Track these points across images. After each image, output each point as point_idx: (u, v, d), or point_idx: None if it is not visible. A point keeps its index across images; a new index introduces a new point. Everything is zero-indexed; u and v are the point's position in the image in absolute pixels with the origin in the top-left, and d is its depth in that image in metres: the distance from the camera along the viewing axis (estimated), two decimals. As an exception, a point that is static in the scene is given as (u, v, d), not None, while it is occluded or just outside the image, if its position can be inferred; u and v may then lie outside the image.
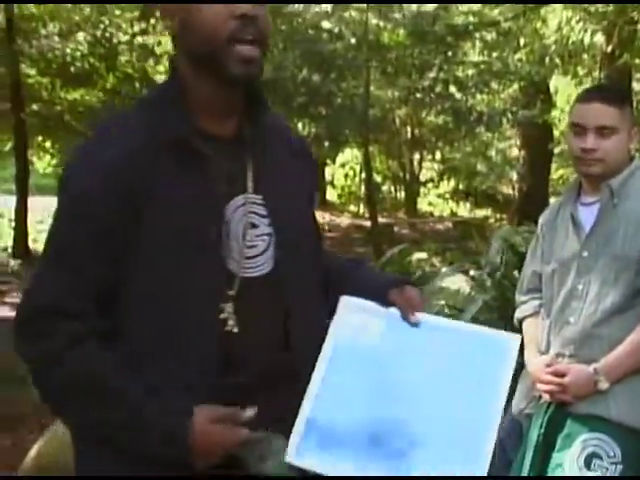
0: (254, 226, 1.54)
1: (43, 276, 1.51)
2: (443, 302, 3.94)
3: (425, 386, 1.56)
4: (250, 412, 1.45)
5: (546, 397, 2.36)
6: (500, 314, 3.58)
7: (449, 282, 4.58)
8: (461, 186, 20.83)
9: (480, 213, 20.08)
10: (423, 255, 10.12)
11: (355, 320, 1.64)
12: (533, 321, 2.57)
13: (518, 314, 2.65)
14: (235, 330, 1.50)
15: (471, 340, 1.62)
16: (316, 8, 11.20)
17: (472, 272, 4.38)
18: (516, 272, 3.84)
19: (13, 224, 13.28)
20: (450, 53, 11.02)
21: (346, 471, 1.50)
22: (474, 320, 3.54)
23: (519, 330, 2.60)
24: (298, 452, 1.53)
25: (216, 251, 1.49)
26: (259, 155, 1.57)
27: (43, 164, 16.12)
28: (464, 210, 20.99)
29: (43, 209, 15.04)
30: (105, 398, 1.45)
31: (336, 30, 10.86)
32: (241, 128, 1.57)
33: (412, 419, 1.53)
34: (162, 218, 1.46)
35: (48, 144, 14.42)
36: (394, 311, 1.64)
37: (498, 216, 18.97)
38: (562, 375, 2.30)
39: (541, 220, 2.64)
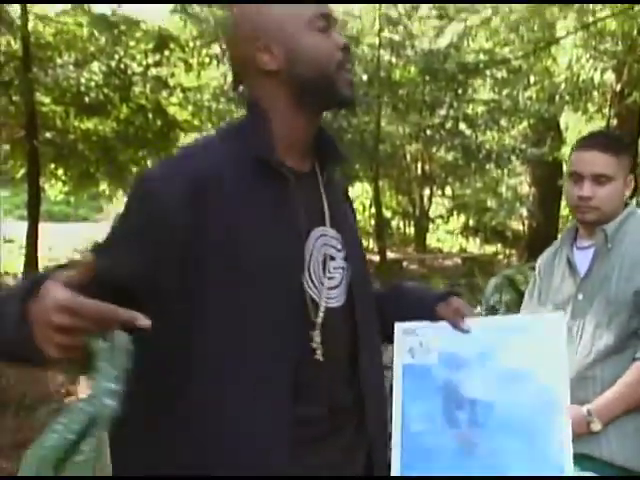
0: (332, 258, 1.61)
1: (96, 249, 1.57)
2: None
3: (494, 385, 1.66)
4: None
5: (539, 437, 2.39)
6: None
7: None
8: (471, 222, 20.87)
9: (490, 249, 20.10)
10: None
11: (413, 343, 1.73)
12: (529, 361, 2.61)
13: (514, 354, 2.69)
14: (321, 359, 1.55)
15: (520, 328, 1.72)
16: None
17: (477, 310, 4.41)
18: (516, 311, 3.87)
19: (24, 250, 13.35)
20: (460, 90, 11.12)
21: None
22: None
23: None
24: (402, 471, 1.65)
25: (300, 278, 1.54)
26: (330, 190, 1.66)
27: (55, 191, 16.24)
28: (474, 246, 21.01)
29: (54, 236, 15.19)
30: None
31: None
32: (314, 164, 1.66)
33: (490, 421, 1.64)
34: (242, 240, 1.49)
35: (60, 172, 14.55)
36: (445, 324, 1.72)
37: (507, 252, 18.98)
38: (554, 416, 2.33)
39: (539, 262, 2.68)
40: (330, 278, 1.60)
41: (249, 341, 1.48)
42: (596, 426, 2.29)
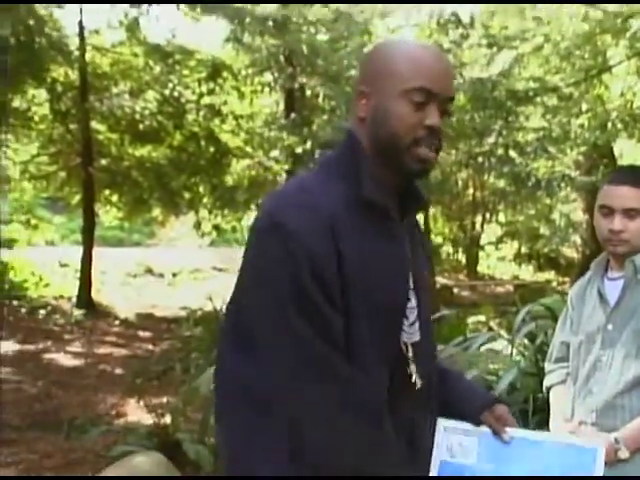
0: (407, 299, 1.69)
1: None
2: (483, 366, 3.98)
3: None
4: None
5: (567, 465, 2.41)
6: (539, 380, 3.61)
7: (494, 345, 4.62)
8: (523, 249, 20.71)
9: (543, 276, 19.92)
10: (481, 318, 10.10)
11: (453, 442, 1.80)
12: (560, 389, 2.63)
13: (546, 382, 2.71)
14: (419, 385, 1.70)
15: (559, 451, 1.76)
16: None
17: (507, 336, 4.43)
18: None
19: (78, 274, 13.63)
20: (510, 118, 11.11)
21: None
22: (511, 386, 3.59)
23: (547, 398, 2.68)
24: None
25: (404, 313, 1.66)
26: (409, 235, 1.72)
27: (109, 217, 16.58)
28: (527, 273, 20.83)
29: (107, 260, 15.47)
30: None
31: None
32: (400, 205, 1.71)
33: None
34: (359, 276, 1.56)
35: (115, 198, 14.86)
36: (487, 430, 1.79)
37: (561, 279, 18.79)
38: (583, 444, 2.35)
39: (571, 293, 2.71)
40: (405, 317, 1.68)
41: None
42: (624, 454, 2.31)
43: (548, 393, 2.70)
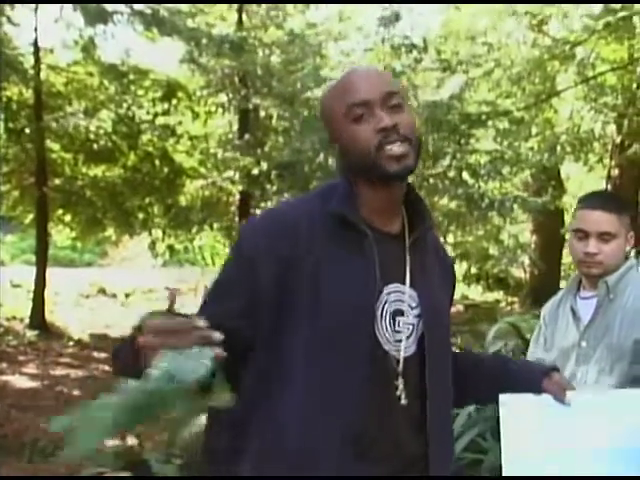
0: (401, 314, 1.75)
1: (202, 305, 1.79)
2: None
3: (599, 455, 1.82)
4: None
5: (546, 477, 2.52)
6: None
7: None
8: (473, 269, 20.97)
9: (492, 296, 20.17)
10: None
11: (519, 412, 1.89)
12: (535, 405, 2.75)
13: (522, 398, 2.83)
14: (404, 403, 1.74)
15: (619, 402, 1.88)
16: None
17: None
18: (522, 357, 4.00)
19: (31, 295, 13.46)
20: (463, 141, 11.34)
21: None
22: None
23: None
24: None
25: (370, 326, 1.71)
26: (416, 255, 1.80)
27: (62, 237, 16.41)
28: (475, 293, 21.08)
29: (59, 280, 15.32)
30: None
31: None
32: (404, 229, 1.81)
33: None
34: (323, 281, 1.67)
35: (68, 217, 14.75)
36: (548, 396, 1.88)
37: (509, 300, 19.06)
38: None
39: (544, 311, 2.84)
40: (397, 332, 1.75)
41: (329, 386, 1.67)
42: (600, 467, 2.43)
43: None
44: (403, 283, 1.77)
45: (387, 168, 1.68)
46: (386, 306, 1.74)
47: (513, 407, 1.89)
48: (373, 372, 1.69)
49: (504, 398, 1.90)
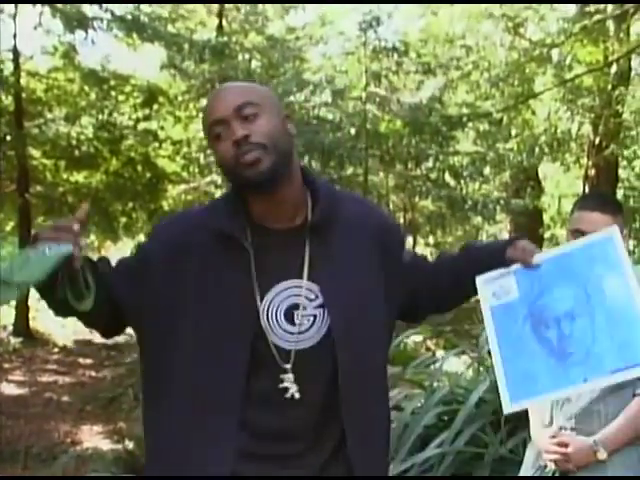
0: (297, 307, 1.82)
1: None
2: (448, 384, 4.20)
3: (574, 302, 1.90)
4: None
5: (551, 466, 2.63)
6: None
7: (449, 365, 4.84)
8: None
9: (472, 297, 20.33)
10: (418, 338, 10.33)
11: (494, 288, 1.97)
12: (537, 398, 2.85)
13: (523, 392, 2.93)
14: (297, 396, 1.79)
15: (583, 251, 1.96)
16: (316, 98, 11.75)
17: (472, 354, 4.65)
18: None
19: (14, 302, 13.43)
20: (445, 142, 11.47)
21: (553, 395, 2.02)
22: (481, 400, 3.82)
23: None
24: (512, 402, 1.89)
25: (253, 326, 1.79)
26: (320, 244, 1.85)
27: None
28: (456, 293, 21.20)
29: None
30: None
31: (337, 120, 11.34)
32: (306, 220, 1.86)
33: (576, 331, 1.88)
34: (202, 297, 1.79)
35: (49, 224, 14.72)
36: (518, 265, 1.97)
37: (489, 299, 19.20)
38: (565, 446, 2.57)
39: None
40: (296, 324, 1.82)
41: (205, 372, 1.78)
42: (602, 455, 2.54)
43: (525, 402, 2.92)
44: (300, 277, 1.83)
45: (245, 175, 1.75)
46: (276, 305, 1.81)
47: (488, 284, 1.98)
48: (259, 370, 1.79)
49: (479, 279, 1.99)
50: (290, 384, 1.79)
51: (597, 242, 1.97)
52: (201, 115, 1.91)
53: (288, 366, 1.79)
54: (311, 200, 1.87)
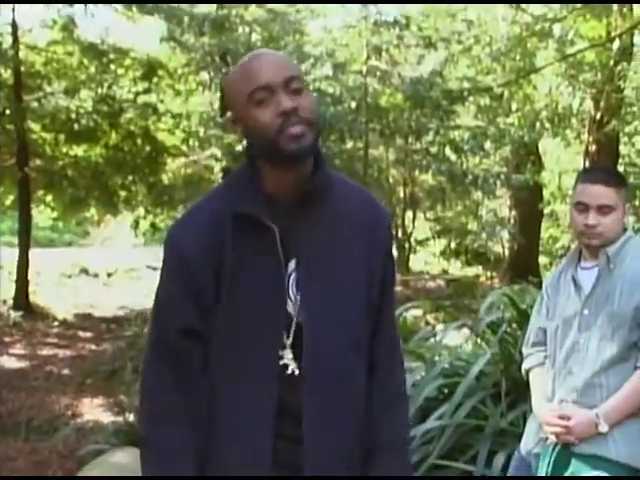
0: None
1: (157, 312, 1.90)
2: (448, 357, 4.22)
3: None
4: None
5: (553, 438, 2.64)
6: (503, 367, 3.86)
7: (449, 339, 4.86)
8: (452, 244, 21.13)
9: (471, 271, 20.36)
10: (418, 312, 10.38)
11: None
12: (539, 371, 2.86)
13: (525, 365, 2.94)
14: (296, 372, 1.82)
15: None
16: (317, 71, 11.70)
17: (472, 328, 4.66)
18: (516, 327, 4.12)
19: (13, 276, 13.45)
20: (445, 117, 11.44)
21: None
22: (481, 373, 3.84)
23: (526, 380, 2.92)
24: None
25: (284, 303, 1.82)
26: (313, 219, 1.85)
27: (42, 217, 16.37)
28: (455, 268, 21.25)
29: (40, 261, 15.29)
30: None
31: (337, 93, 11.30)
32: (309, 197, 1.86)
33: None
34: (236, 283, 1.80)
35: (49, 198, 14.72)
36: None
37: (489, 274, 19.26)
38: (567, 418, 2.59)
39: (545, 282, 2.95)
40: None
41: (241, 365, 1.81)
42: (603, 428, 2.56)
43: (527, 375, 2.93)
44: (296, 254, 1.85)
45: (287, 147, 1.74)
46: (292, 283, 1.84)
47: None
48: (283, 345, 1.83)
49: None
50: (289, 361, 1.82)
51: None
52: (231, 77, 1.86)
53: (289, 342, 1.82)
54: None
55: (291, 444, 1.80)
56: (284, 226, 1.81)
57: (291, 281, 1.84)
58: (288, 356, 1.81)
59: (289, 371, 1.81)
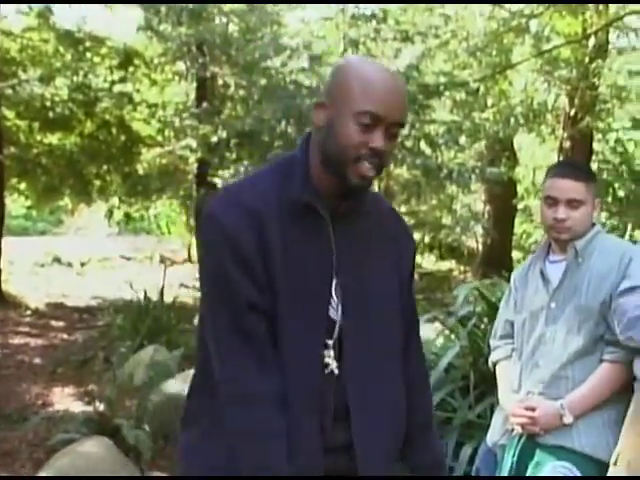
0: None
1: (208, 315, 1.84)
2: (427, 347, 4.25)
3: None
4: None
5: (518, 429, 2.68)
6: (472, 360, 3.90)
7: (421, 332, 4.88)
8: (427, 238, 21.19)
9: (444, 265, 20.44)
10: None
11: None
12: (506, 364, 2.89)
13: (493, 357, 2.98)
14: (336, 372, 1.82)
15: None
16: (293, 63, 11.67)
17: (444, 321, 4.70)
18: (486, 321, 4.16)
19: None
20: (421, 111, 11.45)
21: None
22: (450, 365, 3.87)
23: (493, 372, 2.95)
24: None
25: (325, 305, 1.82)
26: (350, 225, 1.87)
27: (15, 206, 16.23)
28: (429, 262, 21.32)
29: (13, 250, 15.16)
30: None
31: (314, 85, 11.28)
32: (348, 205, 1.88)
33: None
34: (286, 270, 1.77)
35: (23, 186, 14.60)
36: None
37: (462, 268, 19.35)
38: (532, 410, 2.62)
39: (514, 275, 2.98)
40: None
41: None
42: (568, 419, 2.59)
43: (494, 368, 2.96)
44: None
45: (351, 179, 1.76)
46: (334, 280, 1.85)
47: None
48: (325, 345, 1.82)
49: None
50: (330, 360, 1.82)
51: None
52: (354, 73, 1.79)
53: (330, 342, 1.82)
54: None
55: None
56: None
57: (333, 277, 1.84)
58: (329, 355, 1.81)
59: (328, 370, 1.81)
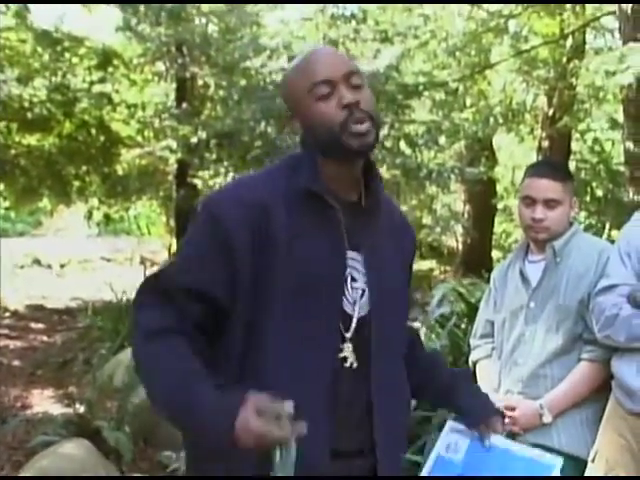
0: (353, 279, 1.84)
1: (173, 268, 1.81)
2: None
3: None
4: (289, 406, 1.53)
5: (498, 429, 2.69)
6: (452, 360, 3.91)
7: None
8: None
9: (425, 265, 20.50)
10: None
11: (451, 440, 2.08)
12: (486, 363, 2.91)
13: (473, 356, 2.99)
14: (355, 365, 1.81)
15: (524, 462, 2.03)
16: (273, 64, 11.67)
17: (422, 321, 4.72)
18: (465, 320, 4.18)
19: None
20: (400, 111, 11.47)
21: None
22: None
23: (473, 371, 2.96)
24: None
25: (341, 292, 1.81)
26: (370, 221, 1.88)
27: (-7, 207, 16.13)
28: (409, 262, 21.35)
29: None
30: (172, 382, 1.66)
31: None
32: (361, 197, 1.88)
33: None
34: (293, 262, 1.75)
35: (1, 187, 14.51)
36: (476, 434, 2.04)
37: (442, 268, 19.41)
38: (512, 409, 2.64)
39: (493, 275, 3.00)
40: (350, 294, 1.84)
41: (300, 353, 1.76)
42: (547, 418, 2.61)
43: (474, 367, 2.98)
44: (356, 250, 1.85)
45: (350, 144, 1.75)
46: (347, 272, 1.83)
47: (451, 433, 2.09)
48: (342, 338, 1.80)
49: (450, 423, 2.12)
50: (349, 353, 1.81)
51: (541, 463, 2.05)
52: (289, 74, 1.86)
53: (349, 335, 1.81)
54: (363, 180, 1.89)
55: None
56: (344, 217, 1.83)
57: (349, 270, 1.83)
58: (348, 348, 1.81)
59: (347, 364, 1.80)
